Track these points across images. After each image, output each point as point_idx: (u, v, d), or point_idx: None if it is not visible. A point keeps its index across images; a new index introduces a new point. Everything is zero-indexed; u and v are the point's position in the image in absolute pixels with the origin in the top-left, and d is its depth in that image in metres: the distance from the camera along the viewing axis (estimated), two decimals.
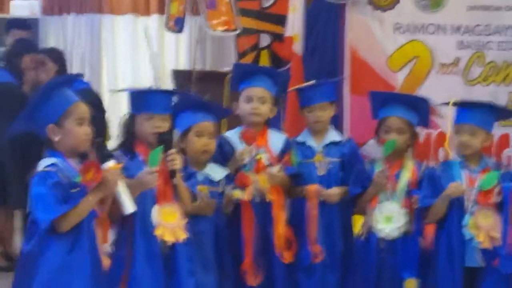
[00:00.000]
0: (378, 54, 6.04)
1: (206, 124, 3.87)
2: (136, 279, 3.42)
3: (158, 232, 3.44)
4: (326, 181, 4.11)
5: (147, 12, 8.41)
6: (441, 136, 5.96)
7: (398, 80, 5.99)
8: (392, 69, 6.02)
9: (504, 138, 5.67)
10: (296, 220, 4.15)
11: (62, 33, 8.42)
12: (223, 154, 4.04)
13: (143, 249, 3.44)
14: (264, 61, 6.50)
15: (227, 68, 6.81)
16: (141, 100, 3.59)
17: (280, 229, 3.98)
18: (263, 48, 6.54)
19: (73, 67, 8.15)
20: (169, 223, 3.47)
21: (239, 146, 4.03)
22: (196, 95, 5.03)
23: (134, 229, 3.44)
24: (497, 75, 6.01)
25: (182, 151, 3.69)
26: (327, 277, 4.08)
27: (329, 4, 6.03)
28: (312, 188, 4.05)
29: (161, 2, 8.08)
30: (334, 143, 4.18)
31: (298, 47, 5.92)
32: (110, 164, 3.07)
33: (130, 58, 8.45)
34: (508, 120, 4.98)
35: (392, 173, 4.00)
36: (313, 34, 6.08)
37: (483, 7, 6.05)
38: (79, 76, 3.62)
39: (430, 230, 4.06)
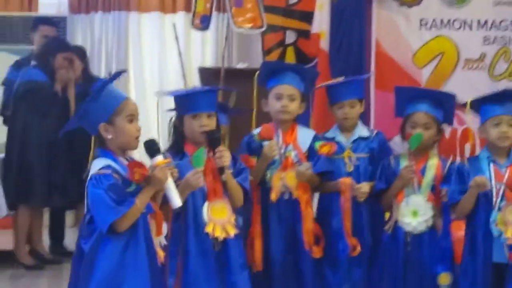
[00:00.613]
0: (404, 50, 6.08)
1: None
2: (189, 274, 3.44)
3: (209, 229, 3.45)
4: (355, 177, 4.10)
5: (173, 9, 8.36)
6: (467, 132, 6.06)
7: (423, 76, 6.06)
8: (417, 65, 6.08)
9: None
10: (324, 216, 4.16)
11: (90, 31, 8.37)
12: (252, 153, 4.02)
13: (195, 245, 3.47)
14: (290, 57, 6.47)
15: (242, 65, 6.80)
16: (186, 100, 3.60)
17: (308, 225, 3.96)
18: (289, 45, 6.51)
19: (101, 65, 8.22)
20: (219, 219, 3.48)
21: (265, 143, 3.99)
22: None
23: (186, 225, 3.47)
24: None
25: (182, 134, 3.64)
26: (353, 271, 4.07)
27: (355, 0, 6.07)
28: (345, 181, 4.06)
29: (188, 0, 8.16)
30: (362, 139, 4.17)
31: (324, 44, 5.92)
32: (159, 159, 3.08)
33: (157, 56, 8.42)
34: None
35: (418, 168, 3.96)
36: (339, 31, 6.07)
37: (508, 3, 6.08)
38: (121, 72, 3.65)
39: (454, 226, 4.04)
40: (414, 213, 3.93)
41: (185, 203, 3.36)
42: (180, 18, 8.29)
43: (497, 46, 6.11)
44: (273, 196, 3.94)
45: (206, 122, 3.53)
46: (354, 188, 4.04)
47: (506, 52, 6.10)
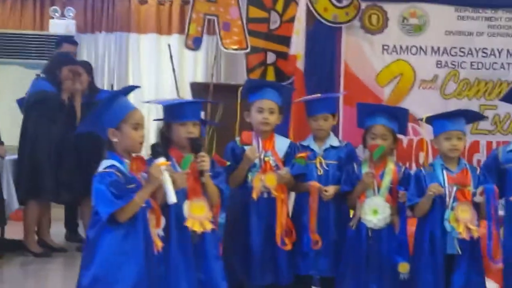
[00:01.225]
0: (368, 71, 6.10)
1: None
2: (171, 263, 3.40)
3: (188, 224, 3.42)
4: (324, 180, 4.08)
5: (169, 31, 8.38)
6: (422, 142, 6.12)
7: (385, 94, 6.08)
8: (380, 84, 6.10)
9: (475, 144, 5.75)
10: (298, 213, 4.14)
11: (94, 49, 8.37)
12: (235, 157, 4.01)
13: (176, 238, 3.43)
14: (270, 76, 6.38)
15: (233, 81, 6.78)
16: (176, 110, 3.57)
17: (282, 220, 3.94)
18: (269, 65, 6.39)
19: (104, 79, 8.19)
20: (198, 216, 3.45)
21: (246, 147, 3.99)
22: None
23: (169, 220, 3.40)
24: (469, 90, 6.10)
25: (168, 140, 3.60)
26: (321, 261, 4.04)
27: (327, 28, 6.05)
28: (314, 184, 4.04)
29: (181, 23, 8.07)
30: (333, 148, 4.16)
31: (300, 64, 5.90)
32: (160, 160, 3.10)
33: (153, 71, 8.41)
34: (478, 128, 5.08)
35: (377, 173, 3.97)
36: (313, 53, 6.04)
37: (458, 32, 6.14)
38: (136, 87, 3.67)
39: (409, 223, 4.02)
40: (374, 211, 3.95)
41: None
42: (175, 39, 8.29)
43: (447, 69, 6.15)
44: (254, 195, 3.93)
45: (192, 129, 3.52)
46: (321, 190, 4.03)
47: (455, 75, 6.14)
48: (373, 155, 3.97)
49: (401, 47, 6.19)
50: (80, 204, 6.32)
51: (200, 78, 8.20)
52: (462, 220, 3.71)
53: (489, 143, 5.92)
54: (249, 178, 3.97)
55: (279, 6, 6.45)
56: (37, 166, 6.00)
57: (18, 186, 5.99)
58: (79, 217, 6.72)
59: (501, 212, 3.99)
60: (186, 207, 3.46)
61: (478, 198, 3.74)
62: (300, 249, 4.05)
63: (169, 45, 6.93)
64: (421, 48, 6.18)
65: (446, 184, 3.81)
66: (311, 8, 6.03)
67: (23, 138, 6.11)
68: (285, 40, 6.20)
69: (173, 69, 6.50)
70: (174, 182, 3.24)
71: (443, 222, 3.76)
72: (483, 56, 6.20)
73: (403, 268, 3.91)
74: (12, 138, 6.00)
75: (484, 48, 6.20)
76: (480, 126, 5.52)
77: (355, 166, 4.07)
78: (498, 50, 6.20)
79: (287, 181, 3.96)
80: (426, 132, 5.97)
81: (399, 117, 4.11)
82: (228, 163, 3.92)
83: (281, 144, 4.08)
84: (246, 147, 3.98)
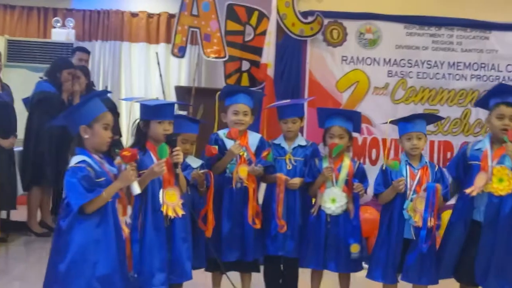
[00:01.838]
0: (329, 78, 6.16)
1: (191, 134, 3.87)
2: (146, 243, 3.36)
3: (163, 209, 3.39)
4: (292, 173, 4.05)
5: (157, 41, 8.34)
6: (375, 140, 6.18)
7: (344, 98, 6.14)
8: (339, 90, 6.16)
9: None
10: (268, 201, 4.11)
11: (91, 55, 8.13)
12: (218, 146, 3.97)
13: (151, 221, 3.39)
14: (245, 81, 6.39)
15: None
16: (155, 110, 3.51)
17: (252, 204, 3.93)
18: (244, 71, 6.41)
19: (99, 82, 8.11)
20: (171, 202, 3.43)
21: (226, 140, 3.97)
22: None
23: (146, 205, 3.37)
24: (415, 96, 6.20)
25: (145, 134, 3.53)
26: (287, 243, 4.02)
27: (294, 41, 6.10)
28: (281, 176, 4.00)
29: (168, 34, 8.06)
30: (300, 147, 4.13)
31: (270, 71, 5.90)
32: (119, 159, 3.06)
33: (143, 76, 8.36)
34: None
35: (335, 167, 3.96)
36: (282, 63, 6.08)
37: (406, 46, 6.23)
38: (108, 91, 3.62)
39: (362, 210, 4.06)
40: (332, 200, 3.95)
41: (145, 189, 3.31)
42: (162, 48, 8.26)
43: (397, 78, 6.22)
44: (233, 184, 3.94)
45: (168, 127, 3.49)
46: (287, 182, 4.01)
47: (403, 83, 6.22)
48: (332, 152, 3.97)
49: (357, 58, 6.25)
50: None
51: (183, 82, 8.15)
52: (418, 211, 3.69)
53: (431, 142, 6.05)
54: (228, 169, 3.96)
55: (253, 21, 6.46)
56: (40, 156, 5.97)
57: (22, 174, 5.95)
58: None
59: None
60: (161, 194, 3.42)
61: (422, 194, 3.71)
62: (269, 233, 4.04)
63: (156, 53, 6.95)
64: (375, 59, 6.26)
65: (408, 178, 3.78)
66: (281, 23, 6.07)
67: (28, 132, 6.07)
68: (258, 51, 6.22)
69: (160, 74, 6.53)
70: (153, 172, 3.24)
71: (402, 210, 3.75)
72: (428, 67, 6.29)
73: (355, 248, 3.91)
74: (18, 132, 5.94)
75: (428, 61, 6.30)
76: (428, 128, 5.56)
77: (316, 161, 4.07)
78: (440, 62, 6.30)
79: (258, 174, 3.97)
80: (379, 132, 6.11)
81: (353, 119, 4.09)
82: (216, 148, 3.91)
83: (253, 139, 4.07)
84: (230, 141, 3.97)
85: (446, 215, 4.14)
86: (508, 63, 6.34)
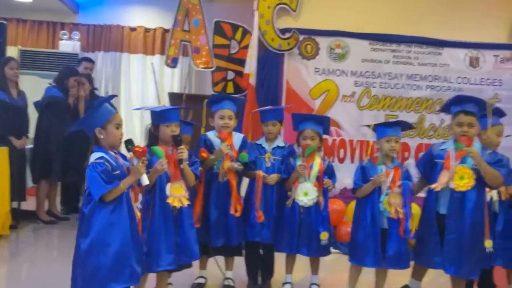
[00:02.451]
0: (304, 87, 6.19)
1: (186, 135, 3.82)
2: (154, 230, 3.36)
3: (169, 200, 3.39)
4: (271, 170, 4.07)
5: (152, 52, 8.20)
6: (343, 141, 6.20)
7: (316, 105, 6.17)
8: (312, 97, 6.19)
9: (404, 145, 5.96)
10: (249, 194, 4.11)
11: (94, 65, 8.25)
12: (206, 144, 3.99)
13: (159, 211, 3.39)
14: (230, 89, 6.41)
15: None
16: (163, 114, 3.52)
17: (234, 195, 3.93)
18: (229, 80, 6.42)
19: (101, 89, 7.98)
20: (177, 194, 3.43)
21: (216, 141, 3.98)
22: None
23: (155, 197, 3.38)
24: (378, 104, 6.23)
25: (156, 137, 3.54)
26: (264, 231, 4.04)
27: (274, 54, 6.13)
28: (259, 174, 4.03)
29: (163, 46, 7.94)
30: (279, 147, 4.15)
31: (252, 80, 5.92)
32: (131, 154, 3.07)
33: (140, 84, 8.24)
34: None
35: (308, 165, 3.98)
36: (263, 73, 6.10)
37: (370, 60, 6.25)
38: (114, 95, 3.60)
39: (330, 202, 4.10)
40: (305, 194, 3.97)
41: (154, 182, 3.32)
42: (157, 59, 8.12)
43: (362, 88, 6.25)
44: (220, 178, 3.93)
45: (175, 129, 3.50)
46: (265, 178, 4.02)
47: (368, 92, 6.24)
48: (305, 152, 3.99)
49: (328, 70, 6.26)
50: (81, 183, 6.26)
51: (176, 89, 8.04)
52: (393, 204, 3.70)
53: (404, 145, 6.07)
54: (215, 166, 3.96)
55: (238, 36, 6.46)
56: (48, 154, 5.97)
57: (32, 169, 5.95)
58: (81, 194, 6.63)
59: None
60: (168, 187, 3.42)
61: (397, 190, 3.72)
62: (249, 221, 4.05)
63: (152, 63, 6.96)
64: (343, 71, 6.27)
65: (383, 176, 3.78)
66: (262, 39, 6.10)
67: (38, 132, 6.05)
68: (242, 62, 6.23)
69: (155, 82, 6.52)
70: (157, 170, 3.24)
71: (379, 204, 3.76)
72: (389, 79, 6.33)
73: (324, 236, 3.95)
74: (29, 132, 5.93)
75: (389, 73, 6.33)
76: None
77: (291, 159, 4.08)
78: (400, 74, 6.34)
79: (235, 170, 3.96)
80: (346, 134, 6.15)
81: (323, 123, 4.11)
82: (212, 156, 3.91)
83: (237, 139, 4.08)
84: (217, 141, 3.98)
85: (414, 208, 4.18)
86: (458, 75, 6.40)
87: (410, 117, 6.00)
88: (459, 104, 3.71)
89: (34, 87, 6.47)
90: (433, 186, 3.68)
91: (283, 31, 6.17)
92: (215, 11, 7.00)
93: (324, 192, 4.02)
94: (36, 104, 6.10)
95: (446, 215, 3.66)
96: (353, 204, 4.45)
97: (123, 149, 3.15)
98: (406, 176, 3.85)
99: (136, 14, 8.38)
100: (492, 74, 6.43)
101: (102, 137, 3.02)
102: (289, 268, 4.13)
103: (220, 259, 4.12)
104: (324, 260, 4.11)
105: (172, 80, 8.29)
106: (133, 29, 8.36)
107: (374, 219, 3.76)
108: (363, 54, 6.30)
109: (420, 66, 6.36)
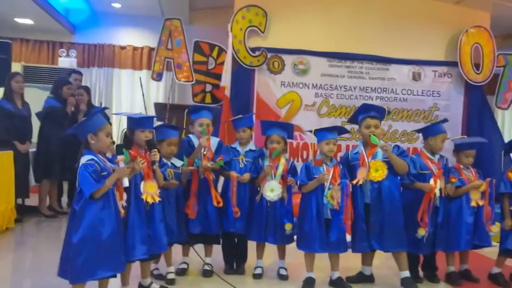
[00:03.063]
0: (272, 98, 6.26)
1: (174, 138, 3.81)
2: (130, 223, 3.28)
3: (143, 197, 3.35)
4: (244, 170, 4.03)
5: (140, 67, 8.23)
6: (305, 144, 6.26)
7: (282, 113, 6.24)
8: (279, 107, 6.27)
9: (339, 147, 5.91)
10: (225, 191, 4.06)
11: (89, 78, 8.16)
12: (190, 146, 3.97)
13: (134, 206, 3.32)
14: (208, 99, 6.43)
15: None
16: (139, 121, 3.48)
17: (212, 190, 3.90)
18: (207, 92, 6.45)
19: (96, 99, 7.96)
20: (150, 191, 3.38)
21: (197, 142, 3.94)
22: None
23: (130, 194, 3.29)
24: (335, 112, 6.34)
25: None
26: (237, 222, 4.00)
27: (246, 69, 6.19)
28: (233, 174, 3.99)
29: (149, 63, 7.99)
30: (251, 151, 4.12)
31: (227, 92, 5.94)
32: (120, 157, 3.06)
33: (129, 95, 8.24)
34: (341, 136, 5.11)
35: (274, 165, 3.96)
36: (236, 85, 6.13)
37: (328, 75, 6.36)
38: (106, 108, 3.60)
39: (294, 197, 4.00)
40: (272, 190, 3.95)
41: (130, 181, 3.22)
42: (144, 73, 8.15)
43: (322, 98, 6.35)
44: (201, 175, 3.92)
45: (148, 134, 3.45)
46: (239, 178, 4.00)
47: (326, 102, 6.35)
48: (272, 154, 3.97)
49: (293, 83, 6.35)
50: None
51: (161, 99, 8.06)
52: (335, 198, 3.71)
53: (347, 146, 6.20)
54: (195, 164, 3.92)
55: (215, 54, 6.52)
56: (49, 156, 5.93)
57: (35, 169, 5.88)
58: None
59: None
60: (142, 185, 3.39)
61: (337, 187, 3.72)
62: (226, 214, 4.03)
63: (140, 77, 6.93)
64: (305, 84, 6.36)
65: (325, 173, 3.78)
66: (235, 56, 6.16)
67: (40, 137, 6.01)
68: (218, 76, 6.27)
69: (143, 93, 6.52)
70: (133, 169, 3.18)
71: (323, 197, 3.75)
72: (344, 91, 6.44)
73: (288, 226, 3.94)
74: (33, 138, 5.88)
75: (345, 85, 6.44)
76: (343, 135, 5.62)
77: (260, 160, 4.08)
78: (353, 87, 6.45)
79: (210, 169, 3.93)
80: (308, 138, 6.24)
81: (288, 129, 4.11)
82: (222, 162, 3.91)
83: (214, 142, 4.06)
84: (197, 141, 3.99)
85: None
86: (403, 88, 6.53)
87: None
88: (364, 112, 3.87)
89: (36, 98, 6.39)
90: (354, 181, 3.78)
91: (254, 49, 6.23)
92: (195, 32, 7.07)
93: (288, 188, 4.00)
94: (38, 114, 6.04)
95: (369, 203, 3.78)
96: None
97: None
98: (344, 173, 3.84)
99: (126, 35, 8.39)
100: (432, 86, 6.60)
101: (93, 142, 3.01)
102: (259, 254, 4.11)
103: (200, 247, 4.12)
104: (290, 247, 4.09)
105: (157, 92, 8.31)
106: (123, 48, 8.36)
107: (319, 211, 3.75)
108: (322, 69, 6.38)
109: (371, 79, 6.46)
